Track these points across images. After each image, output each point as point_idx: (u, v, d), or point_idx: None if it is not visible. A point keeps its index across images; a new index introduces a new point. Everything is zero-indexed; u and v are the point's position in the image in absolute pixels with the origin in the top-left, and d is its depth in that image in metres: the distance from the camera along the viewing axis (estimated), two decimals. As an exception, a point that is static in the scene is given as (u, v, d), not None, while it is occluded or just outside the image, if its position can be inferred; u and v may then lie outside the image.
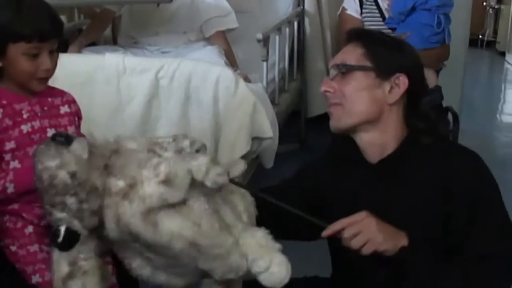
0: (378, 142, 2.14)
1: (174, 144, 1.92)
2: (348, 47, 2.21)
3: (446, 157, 2.10)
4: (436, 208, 2.02)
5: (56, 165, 1.79)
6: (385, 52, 2.17)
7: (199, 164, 1.76)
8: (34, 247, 2.22)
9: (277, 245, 1.85)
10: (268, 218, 2.01)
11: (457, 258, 1.99)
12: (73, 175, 1.79)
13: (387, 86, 2.13)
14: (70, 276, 1.88)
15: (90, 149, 1.85)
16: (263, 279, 1.81)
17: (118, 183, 1.79)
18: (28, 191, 2.15)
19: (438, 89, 4.18)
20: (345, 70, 2.14)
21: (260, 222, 2.03)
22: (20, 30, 2.14)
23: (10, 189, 2.17)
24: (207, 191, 1.81)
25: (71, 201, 1.80)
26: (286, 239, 2.34)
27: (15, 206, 2.24)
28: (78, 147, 1.82)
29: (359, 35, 2.26)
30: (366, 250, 1.92)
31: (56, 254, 1.90)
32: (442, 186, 2.04)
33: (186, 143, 1.92)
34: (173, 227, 1.76)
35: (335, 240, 1.99)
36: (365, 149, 2.17)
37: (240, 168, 2.05)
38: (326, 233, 1.98)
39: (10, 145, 2.20)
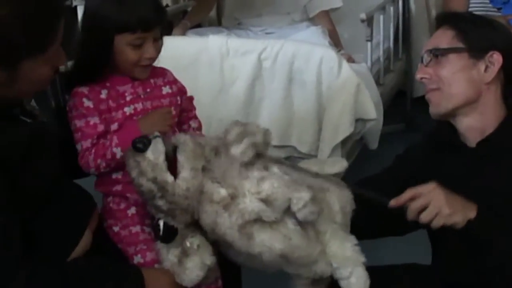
0: (478, 125, 2.11)
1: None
2: (439, 31, 2.20)
3: None
4: None
5: (137, 175, 1.90)
6: (476, 31, 2.14)
7: (300, 197, 1.83)
8: (136, 228, 2.26)
9: (362, 258, 1.93)
10: (363, 213, 2.03)
11: None
12: (154, 180, 1.87)
13: (482, 65, 2.10)
14: (184, 255, 1.97)
15: (194, 151, 1.93)
16: (342, 285, 1.93)
17: (221, 192, 1.87)
18: None
19: None
20: (439, 54, 2.13)
21: (356, 217, 2.08)
22: (124, 21, 2.17)
23: (119, 154, 2.19)
24: None
25: (161, 203, 1.90)
26: (382, 235, 2.33)
27: (119, 187, 2.28)
28: (153, 153, 1.90)
29: (447, 18, 2.25)
30: (435, 224, 1.89)
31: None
32: None
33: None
34: (266, 241, 1.84)
35: (435, 229, 1.96)
36: (465, 133, 2.13)
37: (342, 165, 2.15)
38: (394, 202, 1.95)
39: (113, 126, 2.24)
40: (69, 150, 2.23)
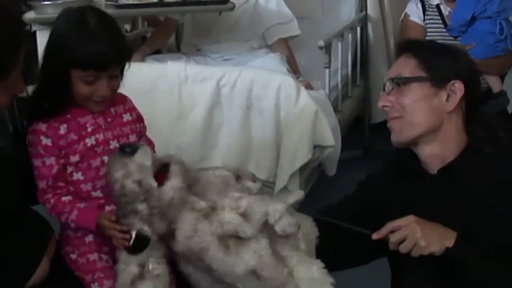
0: (439, 152, 2.12)
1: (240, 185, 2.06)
2: (401, 59, 2.21)
3: (509, 166, 2.08)
4: (498, 218, 1.99)
5: (122, 176, 1.93)
6: (438, 60, 2.16)
7: (276, 209, 1.87)
8: (94, 256, 2.24)
9: (330, 279, 1.94)
10: (327, 240, 2.05)
11: None
12: (139, 183, 1.91)
13: (443, 94, 2.12)
14: (140, 277, 1.98)
15: (186, 168, 2.00)
16: None
17: (201, 203, 1.92)
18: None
19: (503, 93, 4.11)
20: (401, 83, 2.14)
21: (320, 245, 2.11)
22: (77, 58, 2.13)
23: (71, 225, 2.21)
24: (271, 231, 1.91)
25: (142, 207, 1.94)
26: (344, 266, 2.35)
27: (75, 216, 2.28)
28: (141, 157, 1.96)
29: (409, 46, 2.26)
30: (414, 254, 1.96)
31: (124, 255, 2.00)
32: (504, 196, 2.01)
33: (250, 184, 2.08)
34: (241, 253, 1.86)
35: (396, 258, 2.00)
36: (427, 161, 2.15)
37: (299, 194, 2.14)
38: (376, 236, 2.01)
39: (74, 158, 2.23)
40: (27, 176, 2.22)
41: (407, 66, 2.17)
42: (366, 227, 2.10)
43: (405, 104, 2.13)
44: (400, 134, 2.15)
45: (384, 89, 2.19)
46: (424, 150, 2.15)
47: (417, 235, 1.94)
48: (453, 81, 2.12)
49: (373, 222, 2.10)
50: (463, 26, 4.06)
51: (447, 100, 2.12)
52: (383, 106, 2.17)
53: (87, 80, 2.16)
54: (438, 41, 3.86)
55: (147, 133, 2.50)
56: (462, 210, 2.04)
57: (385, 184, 2.26)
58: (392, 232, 1.99)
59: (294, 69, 4.40)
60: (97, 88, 2.18)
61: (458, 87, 2.12)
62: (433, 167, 2.15)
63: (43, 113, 2.22)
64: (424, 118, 2.11)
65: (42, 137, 2.20)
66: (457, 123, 2.14)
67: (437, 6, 4.30)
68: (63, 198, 2.21)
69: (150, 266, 1.98)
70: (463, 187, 2.08)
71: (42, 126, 2.21)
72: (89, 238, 2.26)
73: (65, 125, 2.22)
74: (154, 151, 2.49)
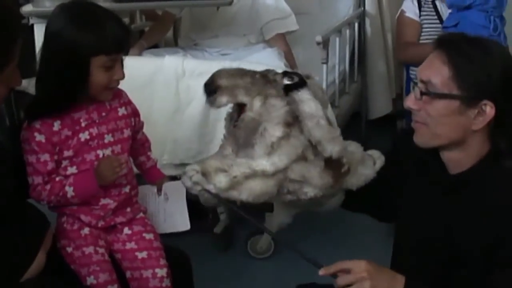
0: (458, 159, 2.08)
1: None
2: (436, 60, 2.06)
3: None
4: (490, 237, 1.96)
5: None
6: (473, 76, 2.02)
7: None
8: (89, 249, 2.26)
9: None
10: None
11: None
12: None
13: (472, 112, 2.01)
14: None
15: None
16: None
17: None
18: (87, 195, 2.26)
19: None
20: (431, 94, 2.04)
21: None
22: (102, 44, 2.16)
23: (70, 193, 2.23)
24: None
25: None
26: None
27: (73, 207, 2.29)
28: None
29: (448, 44, 2.09)
30: None
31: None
32: (504, 217, 1.97)
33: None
34: None
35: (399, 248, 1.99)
36: (446, 162, 2.12)
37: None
38: (323, 272, 1.96)
39: (68, 153, 2.25)
40: (24, 169, 2.22)
41: (440, 75, 2.03)
42: (385, 194, 2.26)
43: (432, 114, 2.04)
44: (422, 139, 2.08)
45: (414, 88, 2.09)
46: (444, 154, 2.11)
47: (365, 285, 1.91)
48: (485, 101, 2.00)
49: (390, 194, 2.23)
50: (455, 8, 4.02)
51: (475, 118, 2.02)
52: (409, 108, 2.13)
53: (107, 66, 2.19)
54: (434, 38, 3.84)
55: (144, 128, 2.51)
56: (459, 221, 2.03)
57: (407, 169, 2.25)
58: (341, 272, 1.95)
59: (291, 64, 4.39)
60: (114, 73, 2.22)
61: (488, 110, 2.01)
62: (451, 170, 2.12)
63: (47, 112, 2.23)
64: (448, 132, 2.05)
65: (35, 134, 2.21)
66: (482, 137, 2.07)
67: (433, 2, 4.30)
68: (57, 178, 2.24)
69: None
70: (471, 198, 2.04)
71: (36, 123, 2.22)
72: (85, 231, 2.27)
73: (58, 121, 2.23)
74: (150, 149, 2.51)
